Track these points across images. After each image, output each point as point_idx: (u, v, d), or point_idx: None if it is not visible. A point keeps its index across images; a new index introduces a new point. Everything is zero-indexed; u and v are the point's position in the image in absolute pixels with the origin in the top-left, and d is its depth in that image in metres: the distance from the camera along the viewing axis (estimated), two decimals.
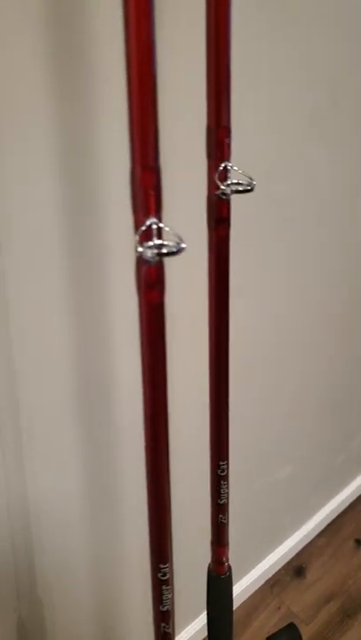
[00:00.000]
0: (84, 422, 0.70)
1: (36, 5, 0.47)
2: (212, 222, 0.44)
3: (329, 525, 1.42)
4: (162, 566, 0.46)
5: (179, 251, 0.33)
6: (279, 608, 1.25)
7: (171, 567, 0.46)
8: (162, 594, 0.47)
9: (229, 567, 0.64)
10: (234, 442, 0.96)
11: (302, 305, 1.01)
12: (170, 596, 0.48)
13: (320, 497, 1.37)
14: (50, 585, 0.76)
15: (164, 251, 0.32)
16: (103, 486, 0.77)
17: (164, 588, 0.47)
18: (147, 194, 0.33)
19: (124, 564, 0.84)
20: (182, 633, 1.10)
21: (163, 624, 0.50)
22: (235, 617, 1.20)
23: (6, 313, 0.56)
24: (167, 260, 0.33)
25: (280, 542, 1.30)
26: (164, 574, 0.46)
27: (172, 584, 0.47)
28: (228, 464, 0.56)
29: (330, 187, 0.94)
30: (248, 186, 0.40)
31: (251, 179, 0.40)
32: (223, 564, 0.63)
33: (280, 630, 0.76)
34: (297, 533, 1.34)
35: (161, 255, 0.32)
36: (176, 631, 0.98)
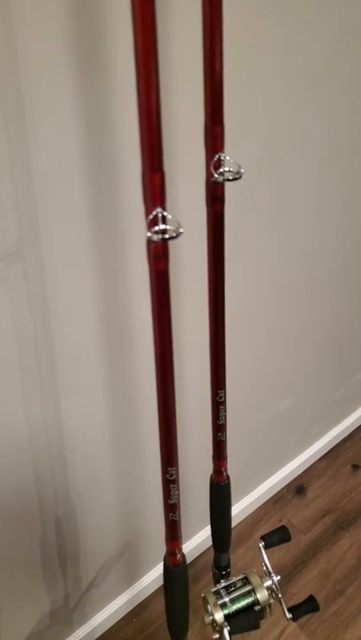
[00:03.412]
0: (108, 356, 0.86)
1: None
2: (209, 200, 0.56)
3: (329, 452, 1.61)
4: (169, 469, 0.62)
5: (178, 235, 0.45)
6: (280, 520, 1.46)
7: (176, 469, 0.63)
8: (170, 490, 0.64)
9: (228, 477, 0.81)
10: (240, 374, 1.11)
11: (303, 247, 1.12)
12: (176, 492, 0.65)
13: (321, 426, 1.54)
14: (81, 491, 0.95)
15: (167, 236, 0.45)
16: (124, 410, 0.94)
17: (171, 485, 0.64)
18: (153, 191, 0.45)
19: (141, 471, 1.03)
20: (193, 538, 1.31)
21: (171, 514, 0.67)
22: (241, 527, 1.42)
23: (42, 273, 0.70)
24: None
25: (283, 465, 1.49)
26: (171, 475, 0.62)
27: (178, 483, 0.64)
28: (225, 392, 0.71)
29: (328, 142, 1.02)
30: (237, 174, 0.51)
31: (240, 167, 0.52)
32: (222, 473, 0.80)
33: (273, 530, 0.94)
34: (299, 457, 1.52)
35: (164, 239, 0.45)
36: (187, 537, 1.19)
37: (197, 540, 1.31)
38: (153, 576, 1.24)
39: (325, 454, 1.60)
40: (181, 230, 0.46)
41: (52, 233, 0.69)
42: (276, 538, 0.94)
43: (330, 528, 1.45)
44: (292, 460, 1.51)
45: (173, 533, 0.67)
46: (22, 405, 0.79)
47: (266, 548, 0.90)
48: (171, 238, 0.45)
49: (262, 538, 0.94)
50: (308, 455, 1.54)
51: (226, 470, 0.80)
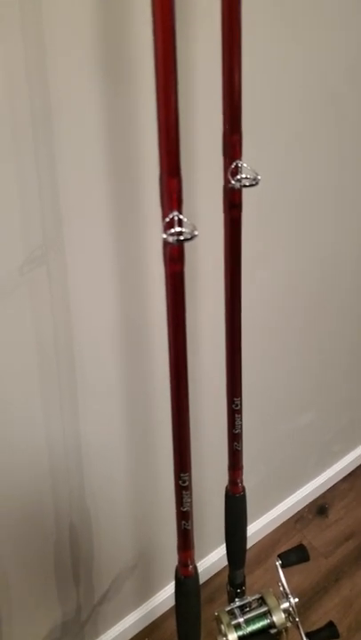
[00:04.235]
0: (125, 361, 0.87)
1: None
2: (226, 207, 0.58)
3: (352, 471, 1.58)
4: (182, 475, 0.63)
5: (192, 237, 0.47)
6: (301, 542, 1.44)
7: (189, 475, 0.63)
8: (182, 497, 0.65)
9: (243, 488, 0.81)
10: (259, 383, 1.11)
11: (325, 255, 1.12)
12: (189, 499, 0.65)
13: (344, 444, 1.52)
14: (95, 495, 0.96)
15: (182, 238, 0.47)
16: (140, 416, 0.96)
17: (184, 492, 0.64)
18: (170, 194, 0.47)
19: (155, 477, 1.03)
20: (208, 556, 1.30)
21: (183, 522, 0.67)
22: (259, 547, 1.41)
23: (65, 279, 0.72)
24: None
25: (304, 483, 1.48)
26: (184, 481, 0.63)
27: (191, 490, 0.65)
28: (241, 400, 0.72)
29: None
30: (254, 180, 0.53)
31: (257, 174, 0.53)
32: (238, 484, 0.80)
33: (291, 549, 0.93)
34: (321, 476, 1.50)
35: (180, 241, 0.47)
36: (199, 557, 1.18)
37: (213, 559, 1.30)
38: (167, 593, 1.23)
39: (348, 474, 1.58)
40: (196, 233, 0.47)
41: (74, 237, 0.71)
42: (295, 557, 0.93)
43: (353, 552, 1.42)
44: (314, 478, 1.50)
45: (185, 542, 0.67)
46: (41, 412, 0.81)
47: (283, 567, 0.89)
48: (186, 240, 0.47)
49: (279, 556, 0.93)
50: (330, 474, 1.52)
51: (242, 481, 0.80)
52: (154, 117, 0.46)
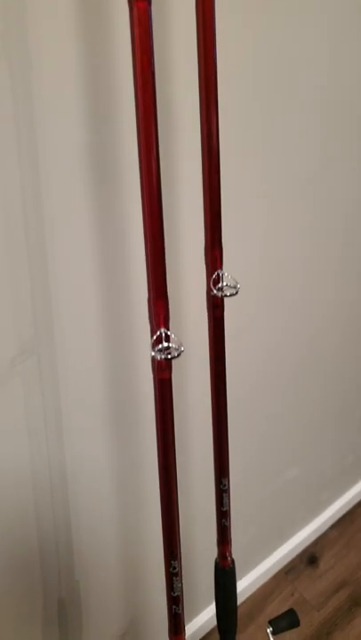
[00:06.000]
0: (114, 447, 0.91)
1: None
2: (210, 307, 0.63)
3: (342, 518, 1.62)
4: (172, 562, 0.66)
5: (179, 354, 0.52)
6: (292, 594, 1.47)
7: (179, 563, 0.67)
8: (173, 583, 0.68)
9: (233, 561, 0.85)
10: (244, 444, 1.15)
11: (305, 318, 1.18)
12: (179, 585, 0.69)
13: (331, 492, 1.57)
14: (86, 570, 0.99)
15: (169, 356, 0.52)
16: (132, 489, 0.99)
17: (174, 579, 0.68)
18: (158, 315, 0.52)
19: (146, 557, 1.06)
20: (197, 617, 1.32)
21: (174, 606, 0.71)
22: (250, 602, 1.43)
23: (55, 368, 0.76)
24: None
25: (293, 534, 1.51)
26: (174, 568, 0.67)
27: (181, 575, 0.68)
28: (228, 480, 0.76)
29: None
30: (234, 289, 0.58)
31: (237, 282, 0.59)
32: (227, 558, 0.84)
33: (281, 614, 0.97)
34: (310, 525, 1.54)
35: (167, 359, 0.52)
36: (190, 616, 1.20)
37: (203, 618, 1.33)
38: None
39: (337, 521, 1.62)
40: (182, 349, 0.52)
41: (65, 331, 0.76)
42: (285, 623, 0.97)
43: (345, 604, 1.45)
44: (303, 527, 1.53)
45: (177, 627, 0.71)
46: (33, 503, 0.84)
47: (274, 633, 0.92)
48: (173, 358, 0.52)
49: (270, 622, 0.97)
50: (319, 522, 1.56)
51: (230, 555, 0.84)
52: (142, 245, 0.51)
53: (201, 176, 0.56)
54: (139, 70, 0.47)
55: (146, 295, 0.53)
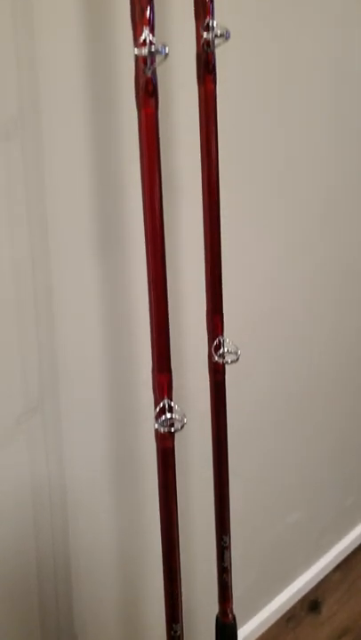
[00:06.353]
0: (117, 494, 0.92)
1: None
2: (211, 372, 0.65)
3: (343, 561, 1.61)
4: (174, 625, 0.67)
5: (182, 426, 0.53)
6: None
7: (181, 626, 0.67)
8: None
9: (234, 617, 0.85)
10: (243, 493, 1.16)
11: (308, 360, 1.20)
12: None
13: (332, 535, 1.56)
14: (85, 623, 0.99)
15: (172, 429, 0.53)
16: (134, 533, 0.99)
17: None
18: (162, 387, 0.54)
19: (148, 609, 1.06)
20: None
21: None
22: None
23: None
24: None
25: (294, 579, 1.50)
26: (176, 631, 0.67)
27: (183, 638, 0.69)
28: (229, 537, 0.77)
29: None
30: (235, 355, 0.60)
31: (238, 349, 0.61)
32: (228, 615, 0.84)
33: None
34: (311, 569, 1.52)
35: (171, 433, 0.53)
36: None
37: None
38: None
39: (340, 564, 1.60)
40: (185, 421, 0.53)
41: (70, 390, 0.78)
42: None
43: None
44: (304, 572, 1.52)
45: None
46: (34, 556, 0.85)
47: None
48: (176, 431, 0.53)
49: None
50: (321, 566, 1.54)
51: (232, 611, 0.84)
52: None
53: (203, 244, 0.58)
54: (146, 167, 0.50)
55: (149, 356, 0.54)
